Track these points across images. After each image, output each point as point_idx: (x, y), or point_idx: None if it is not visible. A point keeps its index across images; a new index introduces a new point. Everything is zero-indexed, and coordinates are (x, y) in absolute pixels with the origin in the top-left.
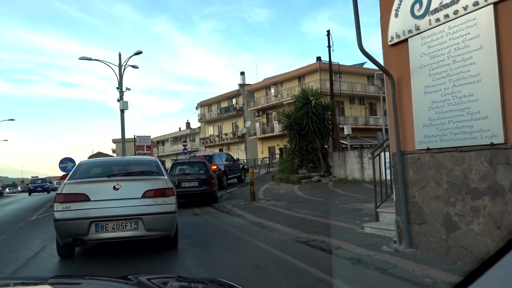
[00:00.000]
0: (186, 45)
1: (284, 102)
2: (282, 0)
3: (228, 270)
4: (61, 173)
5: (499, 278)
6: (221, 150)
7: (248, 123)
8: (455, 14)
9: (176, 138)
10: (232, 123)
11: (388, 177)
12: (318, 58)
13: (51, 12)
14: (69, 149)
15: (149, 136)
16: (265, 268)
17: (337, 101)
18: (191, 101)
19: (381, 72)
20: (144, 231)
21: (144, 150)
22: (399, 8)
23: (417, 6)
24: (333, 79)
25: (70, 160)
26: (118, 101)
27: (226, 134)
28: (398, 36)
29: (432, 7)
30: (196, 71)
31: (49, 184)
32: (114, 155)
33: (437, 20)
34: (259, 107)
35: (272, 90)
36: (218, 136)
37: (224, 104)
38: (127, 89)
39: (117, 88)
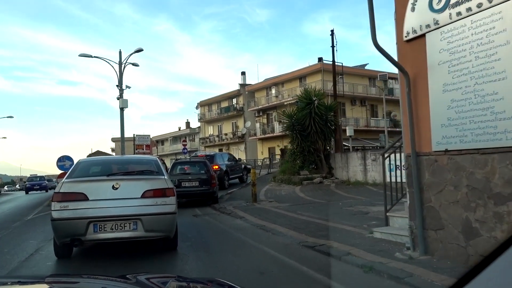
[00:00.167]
0: (186, 45)
1: (285, 103)
2: (283, 1)
3: (231, 276)
4: (60, 171)
5: (495, 277)
6: (220, 150)
7: (248, 123)
8: (479, 7)
9: (176, 138)
10: (232, 123)
11: (395, 180)
12: (320, 59)
13: (51, 9)
14: (68, 148)
15: (149, 135)
16: (271, 275)
17: (338, 102)
18: (191, 101)
19: (384, 73)
20: (143, 232)
21: (143, 149)
22: (416, 1)
23: None
24: (335, 80)
25: (68, 158)
26: (118, 99)
27: (226, 134)
28: (414, 31)
29: (452, 0)
30: (196, 71)
31: (47, 182)
32: (113, 154)
33: (458, 14)
34: (259, 107)
35: (273, 91)
36: (218, 136)
37: (224, 104)
38: (127, 87)
39: (117, 86)
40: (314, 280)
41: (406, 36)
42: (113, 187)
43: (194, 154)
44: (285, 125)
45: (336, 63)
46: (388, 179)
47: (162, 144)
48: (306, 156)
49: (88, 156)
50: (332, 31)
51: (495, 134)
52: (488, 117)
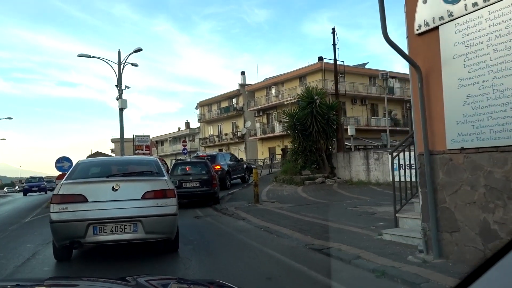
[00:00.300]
0: (185, 45)
1: (285, 102)
2: (281, 1)
3: (237, 282)
4: (58, 173)
5: (497, 279)
6: (220, 150)
7: (248, 123)
8: None
9: (175, 138)
10: (232, 123)
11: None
12: (320, 58)
13: (50, 11)
14: (68, 149)
15: (148, 136)
16: (279, 280)
17: (339, 101)
18: (191, 102)
19: (385, 71)
20: (144, 234)
21: (143, 150)
22: None
23: None
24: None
25: (67, 159)
26: (117, 99)
27: (226, 134)
28: (427, 24)
29: None
30: (196, 72)
31: (46, 183)
32: (113, 155)
33: (475, 4)
34: (259, 107)
35: (273, 90)
36: (217, 136)
37: (224, 104)
38: (126, 87)
39: (116, 86)
40: (323, 286)
41: (417, 30)
42: (112, 188)
43: (196, 154)
44: (286, 124)
45: (337, 61)
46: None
47: (162, 144)
48: (308, 156)
49: (87, 157)
50: (333, 29)
51: None
52: (508, 113)
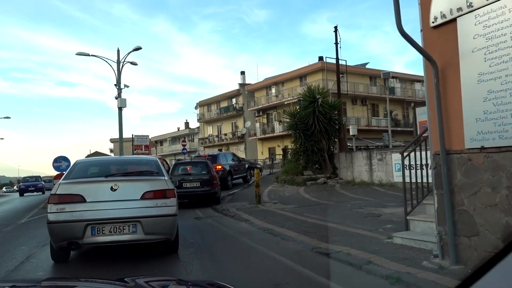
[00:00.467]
0: (185, 45)
1: (285, 102)
2: (281, 1)
3: None
4: (56, 172)
5: (497, 280)
6: (220, 150)
7: (248, 123)
8: None
9: (175, 138)
10: (232, 123)
11: (398, 180)
12: (321, 58)
13: (50, 10)
14: (67, 148)
15: (147, 136)
16: None
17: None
18: (190, 102)
19: (387, 71)
20: (143, 235)
21: (142, 150)
22: None
23: None
24: (336, 79)
25: (65, 159)
26: (116, 98)
27: (225, 134)
28: (443, 16)
29: None
30: (195, 72)
31: (43, 183)
32: (112, 154)
33: None
34: (259, 107)
35: (273, 90)
36: (217, 136)
37: (224, 104)
38: (126, 86)
39: (115, 85)
40: None
41: (433, 22)
42: (111, 188)
43: (197, 154)
44: (287, 124)
45: (340, 60)
46: (395, 180)
47: (161, 144)
48: (309, 156)
49: (86, 157)
50: (335, 27)
51: None
52: None
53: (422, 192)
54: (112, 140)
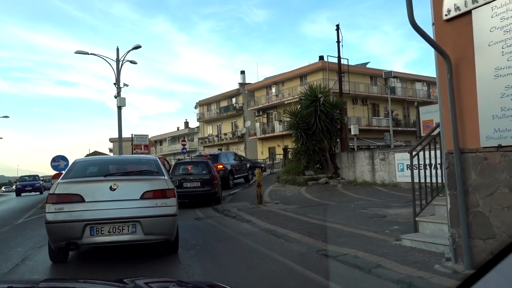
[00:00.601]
0: (184, 45)
1: (286, 102)
2: (280, 1)
3: None
4: (54, 172)
5: (497, 281)
6: (220, 150)
7: (248, 123)
8: None
9: (174, 138)
10: (232, 122)
11: (401, 180)
12: (321, 57)
13: (49, 10)
14: (66, 148)
15: (147, 135)
16: None
17: (343, 100)
18: (189, 102)
19: (389, 71)
20: (143, 235)
21: (141, 149)
22: None
23: None
24: (336, 78)
25: (63, 158)
26: (116, 97)
27: (225, 134)
28: (457, 8)
29: None
30: (195, 71)
31: (41, 182)
32: (111, 154)
33: None
34: (259, 106)
35: (273, 90)
36: (217, 136)
37: (224, 104)
38: (125, 85)
39: (115, 84)
40: None
41: (446, 15)
42: (110, 188)
43: (198, 153)
44: (288, 123)
45: (341, 59)
46: (398, 180)
47: (161, 144)
48: (311, 156)
49: (85, 157)
50: (337, 25)
51: None
52: None
53: (431, 193)
54: (111, 140)
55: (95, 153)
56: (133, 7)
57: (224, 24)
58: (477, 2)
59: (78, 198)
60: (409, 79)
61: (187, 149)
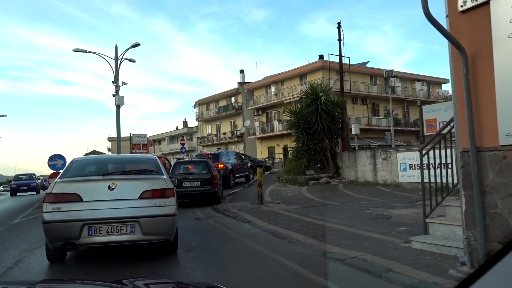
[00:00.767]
0: (183, 45)
1: (285, 101)
2: (280, 1)
3: None
4: (51, 171)
5: (495, 282)
6: (219, 149)
7: (247, 122)
8: None
9: (173, 137)
10: (231, 122)
11: (404, 180)
12: (321, 57)
13: (48, 9)
14: (64, 147)
15: (146, 134)
16: None
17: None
18: (188, 101)
19: (390, 70)
20: (141, 235)
21: (140, 149)
22: None
23: None
24: (336, 78)
25: (60, 157)
26: (114, 96)
27: (224, 133)
28: None
29: None
30: (194, 71)
31: (37, 181)
32: (110, 153)
33: None
34: (258, 106)
35: (273, 89)
36: (216, 135)
37: (223, 103)
38: (123, 83)
39: (113, 82)
40: None
41: (462, 6)
42: (109, 187)
43: (199, 152)
44: (289, 122)
45: (342, 57)
46: (401, 180)
47: (159, 143)
48: (312, 155)
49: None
50: (339, 23)
51: None
52: None
53: (441, 193)
54: (110, 139)
55: (94, 152)
56: (132, 7)
57: (224, 24)
58: None
59: (76, 198)
60: (409, 79)
61: (186, 149)
